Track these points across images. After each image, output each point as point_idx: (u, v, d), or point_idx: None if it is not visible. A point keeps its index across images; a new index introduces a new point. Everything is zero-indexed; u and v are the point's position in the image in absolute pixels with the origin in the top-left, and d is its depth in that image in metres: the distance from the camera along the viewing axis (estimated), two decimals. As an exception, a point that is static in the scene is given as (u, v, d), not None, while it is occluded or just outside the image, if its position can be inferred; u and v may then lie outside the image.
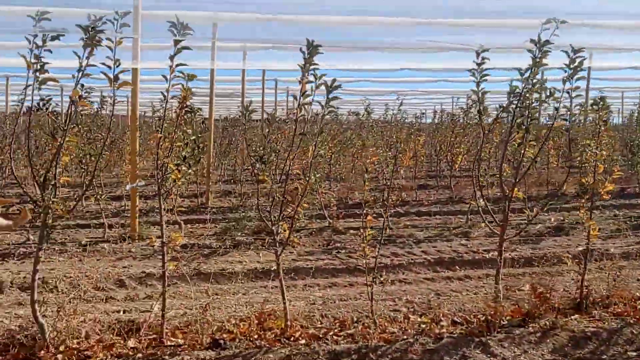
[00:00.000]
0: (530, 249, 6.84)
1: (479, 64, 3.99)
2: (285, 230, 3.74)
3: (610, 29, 8.18)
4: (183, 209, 9.68)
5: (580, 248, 6.85)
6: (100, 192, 7.66)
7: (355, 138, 11.57)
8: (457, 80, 19.20)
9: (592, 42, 8.84)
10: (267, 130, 3.57)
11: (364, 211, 4.13)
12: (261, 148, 3.70)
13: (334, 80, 3.43)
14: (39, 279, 5.30)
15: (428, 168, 16.51)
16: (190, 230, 7.85)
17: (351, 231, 7.67)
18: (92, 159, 6.83)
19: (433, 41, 8.37)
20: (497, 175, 4.70)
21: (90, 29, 3.05)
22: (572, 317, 4.10)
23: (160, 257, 6.00)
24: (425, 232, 7.71)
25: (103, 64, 3.32)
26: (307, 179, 3.46)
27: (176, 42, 3.49)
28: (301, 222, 7.89)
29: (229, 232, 7.35)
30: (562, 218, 8.29)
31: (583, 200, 4.41)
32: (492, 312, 4.05)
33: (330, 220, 7.92)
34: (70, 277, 5.38)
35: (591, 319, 4.08)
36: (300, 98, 3.58)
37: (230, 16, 9.52)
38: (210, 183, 10.34)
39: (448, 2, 8.60)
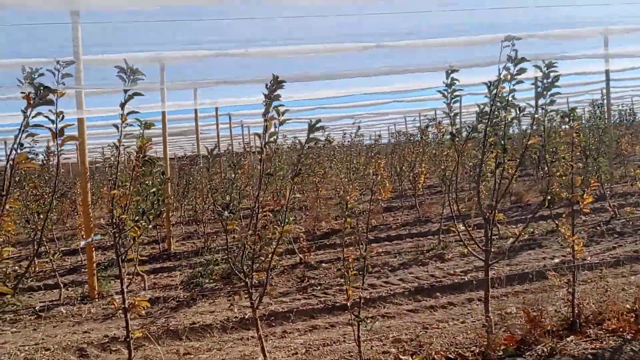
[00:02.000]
0: (507, 265, 6.72)
1: (448, 85, 3.84)
2: (260, 281, 3.44)
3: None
4: (144, 257, 9.25)
5: (557, 260, 6.83)
6: (52, 250, 7.13)
7: (315, 166, 11.37)
8: (406, 100, 19.42)
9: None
10: (233, 175, 3.29)
11: (344, 241, 3.87)
12: (227, 195, 3.42)
13: (318, 121, 3.20)
14: (-12, 357, 4.82)
15: (390, 189, 16.43)
16: (154, 281, 7.41)
17: (323, 265, 7.40)
18: (40, 216, 6.35)
19: (394, 66, 8.31)
20: (464, 191, 4.58)
21: (37, 85, 2.73)
22: (568, 339, 3.93)
23: (124, 315, 5.59)
24: (399, 257, 7.51)
25: (46, 117, 2.99)
26: (282, 223, 3.20)
27: (126, 91, 3.20)
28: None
29: (196, 279, 6.95)
30: (531, 230, 8.26)
31: (564, 215, 4.30)
32: (485, 344, 3.84)
33: (301, 256, 7.63)
34: (26, 350, 4.90)
35: (587, 339, 3.92)
36: (264, 136, 3.33)
37: (180, 54, 9.26)
38: (171, 227, 9.90)
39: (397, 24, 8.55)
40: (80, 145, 6.17)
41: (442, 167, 7.97)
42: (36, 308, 6.22)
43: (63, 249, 10.12)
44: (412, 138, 12.97)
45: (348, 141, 14.07)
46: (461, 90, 3.97)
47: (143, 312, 3.44)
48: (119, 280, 7.44)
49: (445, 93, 3.85)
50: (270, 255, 3.28)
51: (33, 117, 2.71)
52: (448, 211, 9.78)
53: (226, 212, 3.24)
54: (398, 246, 8.37)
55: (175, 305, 6.06)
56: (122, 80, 3.17)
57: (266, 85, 3.24)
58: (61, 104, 3.20)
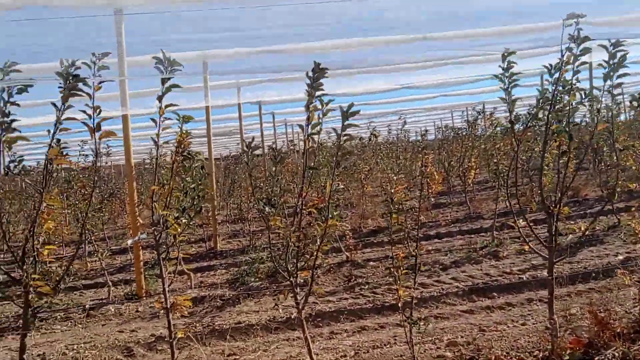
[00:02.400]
0: (567, 263, 6.32)
1: (505, 69, 3.55)
2: (305, 280, 3.26)
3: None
4: (190, 256, 9.27)
5: (621, 257, 6.38)
6: (101, 249, 7.17)
7: (361, 163, 11.13)
8: (453, 94, 18.83)
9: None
10: (273, 169, 3.13)
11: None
12: (269, 189, 3.26)
13: (350, 105, 3.00)
14: (38, 355, 4.84)
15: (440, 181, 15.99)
16: (201, 279, 7.37)
17: (371, 263, 7.18)
18: (89, 215, 6.39)
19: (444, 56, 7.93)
20: (518, 187, 4.27)
21: (65, 74, 2.64)
22: (641, 343, 3.58)
23: (166, 315, 5.53)
24: (450, 255, 7.21)
25: (83, 111, 2.90)
26: (325, 217, 3.01)
27: (164, 80, 3.08)
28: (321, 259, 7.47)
29: (241, 277, 6.85)
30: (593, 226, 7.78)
31: (633, 209, 3.94)
32: (550, 348, 3.54)
33: (348, 254, 7.43)
34: (74, 349, 4.90)
35: (664, 343, 3.56)
36: (307, 128, 3.15)
37: (222, 52, 9.18)
38: (217, 225, 9.88)
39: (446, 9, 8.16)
40: (125, 142, 6.13)
41: (495, 160, 7.59)
42: (86, 307, 6.26)
43: (114, 247, 10.28)
44: (459, 132, 12.53)
45: (394, 136, 13.74)
46: (518, 76, 3.66)
47: (185, 311, 3.32)
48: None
49: (503, 78, 3.56)
50: (314, 253, 3.09)
51: (66, 109, 2.62)
52: (500, 207, 9.40)
53: (267, 208, 3.08)
54: (448, 244, 8.05)
55: (220, 304, 5.97)
56: (160, 71, 3.05)
57: (307, 74, 3.05)
58: (107, 107, 3.10)
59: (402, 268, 3.25)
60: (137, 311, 5.96)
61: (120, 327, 5.51)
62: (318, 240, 3.03)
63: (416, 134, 21.17)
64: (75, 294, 7.13)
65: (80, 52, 3.09)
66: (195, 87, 10.69)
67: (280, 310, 5.56)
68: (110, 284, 6.78)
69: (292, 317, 5.17)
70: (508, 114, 3.81)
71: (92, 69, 2.87)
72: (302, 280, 3.37)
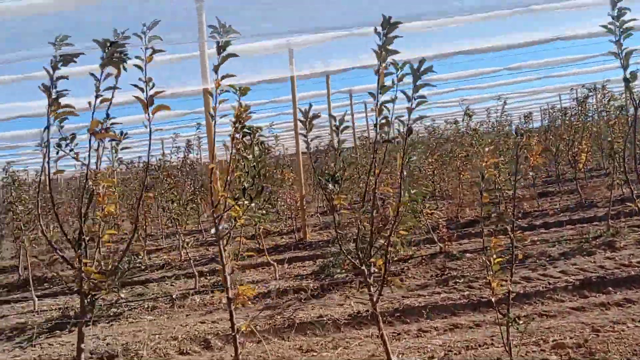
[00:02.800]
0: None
1: (616, 17, 2.93)
2: (380, 269, 2.87)
3: None
4: (280, 247, 9.16)
5: None
6: (187, 240, 7.20)
7: (457, 149, 10.43)
8: (562, 74, 17.17)
9: None
10: (337, 139, 2.75)
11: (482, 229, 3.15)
12: (332, 164, 2.91)
13: (422, 62, 2.55)
14: (122, 344, 4.84)
15: (544, 174, 14.83)
16: (288, 270, 7.18)
17: (467, 255, 6.59)
18: (175, 205, 6.39)
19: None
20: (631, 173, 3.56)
21: (103, 41, 2.45)
22: None
23: (253, 305, 5.35)
24: (558, 246, 6.44)
25: (135, 85, 2.70)
26: (400, 197, 2.59)
27: (220, 48, 2.81)
28: (406, 250, 6.99)
29: (327, 269, 6.56)
30: None
31: None
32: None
33: (441, 245, 6.89)
34: (156, 339, 4.85)
35: None
36: (378, 94, 2.74)
37: (309, 38, 8.88)
38: (306, 216, 9.69)
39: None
40: (207, 120, 5.70)
41: (610, 138, 6.68)
42: (173, 296, 6.27)
43: (210, 239, 10.45)
44: (568, 112, 11.39)
45: (493, 121, 12.78)
46: (634, 24, 3.00)
47: (249, 302, 3.06)
48: (249, 270, 7.32)
49: (613, 28, 2.93)
50: (388, 234, 2.68)
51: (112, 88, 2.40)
52: (616, 194, 8.36)
53: (330, 185, 2.72)
54: (557, 234, 7.25)
55: (304, 297, 5.70)
56: (215, 39, 2.79)
57: (375, 29, 2.64)
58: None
59: (495, 258, 2.75)
60: (220, 302, 5.86)
61: (202, 318, 5.42)
62: (392, 218, 2.62)
63: (520, 119, 19.76)
64: (167, 284, 7.22)
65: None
66: (281, 76, 10.56)
67: (367, 303, 5.19)
68: (196, 274, 6.76)
69: (380, 311, 4.78)
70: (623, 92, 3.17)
71: (143, 39, 2.66)
72: (377, 270, 2.97)
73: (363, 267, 2.84)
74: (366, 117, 17.81)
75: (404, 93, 2.62)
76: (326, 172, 2.83)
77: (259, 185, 2.79)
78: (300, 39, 8.86)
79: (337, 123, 2.82)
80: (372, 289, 2.91)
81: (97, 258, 2.76)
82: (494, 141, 11.52)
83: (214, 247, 9.80)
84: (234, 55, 2.83)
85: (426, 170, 10.09)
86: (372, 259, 2.81)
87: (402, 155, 2.63)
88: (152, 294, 6.61)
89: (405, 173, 2.62)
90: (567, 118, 11.30)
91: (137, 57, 2.65)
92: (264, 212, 7.07)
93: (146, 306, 6.04)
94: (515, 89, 19.00)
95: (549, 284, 5.01)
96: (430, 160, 10.40)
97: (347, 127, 3.03)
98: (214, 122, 2.81)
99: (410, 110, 2.63)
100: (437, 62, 11.66)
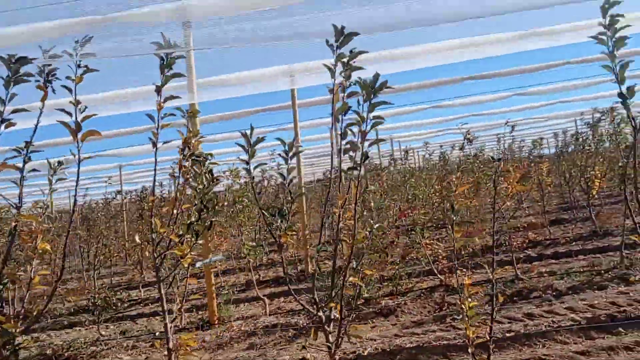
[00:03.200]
0: None
1: (607, 25, 2.62)
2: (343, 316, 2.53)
3: None
4: (282, 278, 8.80)
5: None
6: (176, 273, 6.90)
7: (464, 177, 10.05)
8: (575, 99, 16.71)
9: None
10: (286, 168, 2.45)
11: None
12: (281, 196, 2.62)
13: (376, 77, 2.26)
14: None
15: (558, 200, 14.34)
16: (282, 304, 6.83)
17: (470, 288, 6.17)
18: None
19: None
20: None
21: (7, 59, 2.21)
22: None
23: (236, 344, 5.00)
24: (567, 279, 6.01)
25: (62, 109, 2.45)
26: (354, 232, 2.27)
27: (163, 67, 2.56)
28: (406, 282, 6.61)
29: (322, 303, 6.18)
30: None
31: None
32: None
33: (442, 277, 6.50)
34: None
35: None
36: (341, 116, 2.45)
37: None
38: (308, 247, 9.35)
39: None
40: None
41: (620, 164, 6.30)
42: (156, 334, 5.95)
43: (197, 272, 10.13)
44: (580, 137, 10.98)
45: (502, 146, 12.40)
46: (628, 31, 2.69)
47: (191, 352, 2.74)
48: (242, 305, 6.97)
49: (605, 38, 2.62)
50: (343, 277, 2.36)
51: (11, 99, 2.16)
52: (630, 222, 7.91)
53: (276, 220, 2.41)
54: (567, 265, 6.81)
55: (292, 335, 5.35)
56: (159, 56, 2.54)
57: (327, 42, 2.36)
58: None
59: (467, 296, 2.41)
60: (203, 341, 5.52)
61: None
62: (346, 258, 2.30)
63: (532, 143, 19.31)
64: (157, 319, 6.92)
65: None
66: (283, 105, 10.38)
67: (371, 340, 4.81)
68: (182, 311, 6.42)
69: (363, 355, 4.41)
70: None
71: (74, 57, 2.41)
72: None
73: (320, 313, 2.51)
74: (378, 145, 17.54)
75: (357, 113, 2.33)
76: (272, 205, 2.53)
77: (205, 220, 2.50)
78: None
79: (286, 148, 2.54)
80: (330, 337, 2.57)
81: (26, 301, 2.48)
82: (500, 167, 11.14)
83: (218, 277, 9.49)
84: (180, 75, 2.58)
85: (432, 199, 9.74)
86: (332, 303, 2.48)
87: (356, 185, 2.32)
88: (137, 331, 6.30)
89: (359, 206, 2.30)
90: (579, 143, 10.88)
91: (67, 78, 2.41)
92: (254, 244, 6.78)
93: (125, 345, 5.72)
94: (527, 114, 18.54)
95: (553, 322, 4.59)
96: (437, 187, 10.05)
97: (297, 152, 2.74)
98: (155, 149, 2.54)
99: (364, 134, 2.33)
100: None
